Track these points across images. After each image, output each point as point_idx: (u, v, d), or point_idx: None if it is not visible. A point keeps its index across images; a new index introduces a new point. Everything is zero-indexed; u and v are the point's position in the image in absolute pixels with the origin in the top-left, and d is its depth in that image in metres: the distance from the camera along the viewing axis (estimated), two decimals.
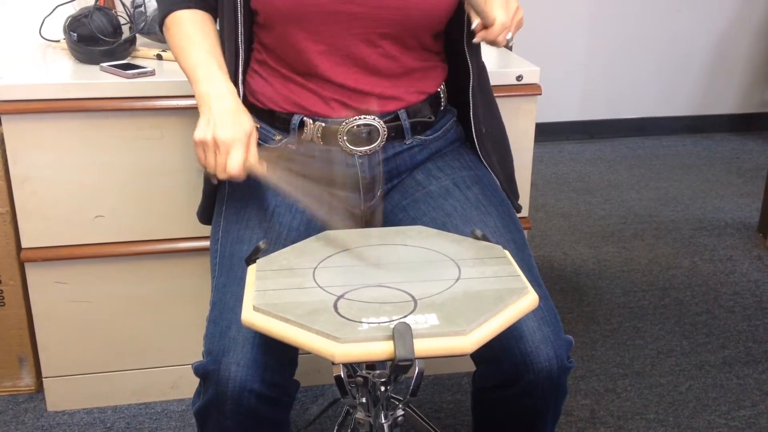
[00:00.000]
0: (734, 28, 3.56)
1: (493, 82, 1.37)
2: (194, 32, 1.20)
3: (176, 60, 1.22)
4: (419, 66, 1.25)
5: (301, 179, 1.11)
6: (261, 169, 1.12)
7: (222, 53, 1.21)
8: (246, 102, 1.28)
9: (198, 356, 1.09)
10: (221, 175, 1.11)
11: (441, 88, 1.29)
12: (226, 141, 1.09)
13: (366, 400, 1.05)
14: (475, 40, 1.14)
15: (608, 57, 3.51)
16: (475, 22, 1.13)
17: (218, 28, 1.26)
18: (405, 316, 0.87)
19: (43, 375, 1.71)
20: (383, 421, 1.05)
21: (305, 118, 1.24)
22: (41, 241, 1.59)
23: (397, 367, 0.83)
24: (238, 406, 1.03)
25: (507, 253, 1.03)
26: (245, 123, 1.12)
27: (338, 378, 0.99)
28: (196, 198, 1.38)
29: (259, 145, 1.16)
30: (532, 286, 0.96)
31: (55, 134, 1.52)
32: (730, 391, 1.81)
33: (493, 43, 1.13)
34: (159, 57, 1.66)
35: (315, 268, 0.99)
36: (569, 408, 1.74)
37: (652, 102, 3.61)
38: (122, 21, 1.68)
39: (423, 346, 0.84)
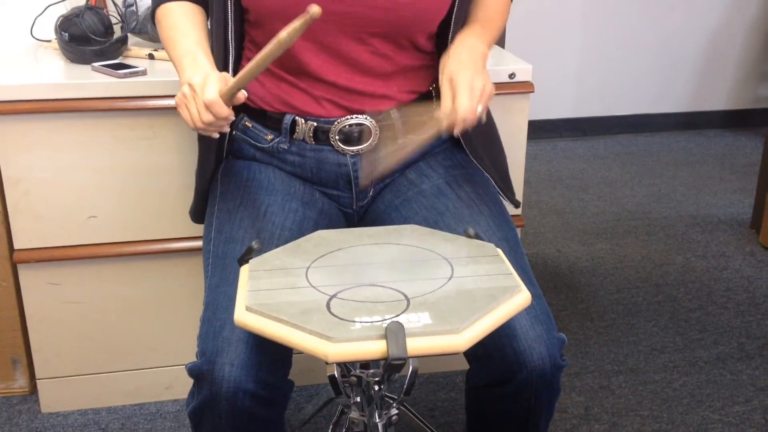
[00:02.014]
0: (727, 25, 3.57)
1: None
2: (183, 23, 1.21)
3: (166, 52, 1.23)
4: (411, 65, 1.25)
5: None
6: (241, 94, 1.07)
7: (210, 45, 1.21)
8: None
9: (192, 357, 1.09)
10: (204, 117, 1.07)
11: (433, 87, 1.30)
12: (198, 81, 1.07)
13: (360, 399, 1.06)
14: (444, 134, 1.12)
15: (601, 54, 3.51)
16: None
17: (208, 26, 1.26)
18: (398, 315, 0.87)
19: (37, 376, 1.70)
20: (377, 420, 1.05)
21: (297, 118, 1.24)
22: (34, 242, 1.58)
23: (390, 366, 0.84)
24: (232, 407, 1.03)
25: (500, 251, 1.03)
26: (220, 74, 1.10)
27: (332, 377, 0.98)
28: (189, 198, 1.38)
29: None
30: (525, 284, 0.97)
31: (47, 134, 1.52)
32: (724, 387, 1.82)
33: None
34: (151, 56, 1.65)
35: (308, 268, 0.99)
36: (563, 405, 1.75)
37: (645, 99, 3.62)
38: (114, 20, 1.68)
39: (416, 345, 0.84)
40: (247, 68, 1.03)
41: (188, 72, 1.13)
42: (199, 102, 1.07)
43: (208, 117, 1.07)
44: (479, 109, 1.11)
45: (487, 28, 1.24)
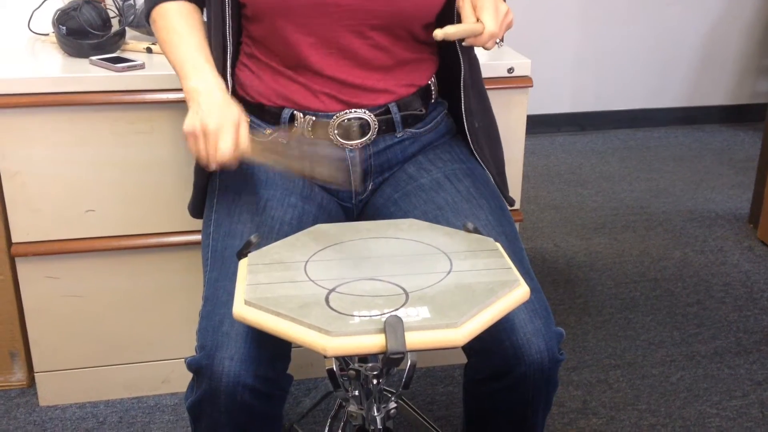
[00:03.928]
0: (725, 19, 3.56)
1: (484, 74, 1.37)
2: (181, 26, 1.20)
3: (164, 54, 1.22)
4: (410, 58, 1.25)
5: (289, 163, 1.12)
6: (252, 155, 1.12)
7: (209, 46, 1.21)
8: (236, 95, 1.27)
9: (190, 350, 1.09)
10: (213, 163, 1.11)
11: (431, 81, 1.29)
12: (214, 128, 1.09)
13: (358, 392, 1.06)
14: (465, 44, 1.13)
15: (599, 49, 3.51)
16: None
17: (205, 20, 1.26)
18: (396, 309, 0.87)
19: (35, 370, 1.70)
20: (376, 413, 1.05)
21: (295, 112, 1.23)
22: (32, 235, 1.58)
23: (389, 360, 0.84)
24: (231, 401, 1.03)
25: (499, 245, 1.03)
26: (233, 112, 1.12)
27: (330, 371, 0.99)
28: (187, 192, 1.38)
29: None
30: (524, 278, 0.97)
31: (45, 128, 1.51)
32: (721, 382, 1.82)
33: (482, 47, 1.13)
34: (149, 50, 1.65)
35: (306, 262, 0.99)
36: (561, 399, 1.75)
37: (643, 94, 3.61)
38: (111, 14, 1.67)
39: (414, 339, 0.84)
40: (255, 156, 1.13)
41: (192, 80, 1.14)
42: (211, 150, 1.10)
43: (216, 165, 1.11)
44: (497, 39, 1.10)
45: None
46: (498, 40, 1.11)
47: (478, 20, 1.11)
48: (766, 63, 3.67)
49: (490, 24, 1.09)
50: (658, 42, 3.54)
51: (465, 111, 1.28)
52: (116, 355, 1.72)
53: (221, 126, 1.09)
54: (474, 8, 1.11)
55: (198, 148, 1.11)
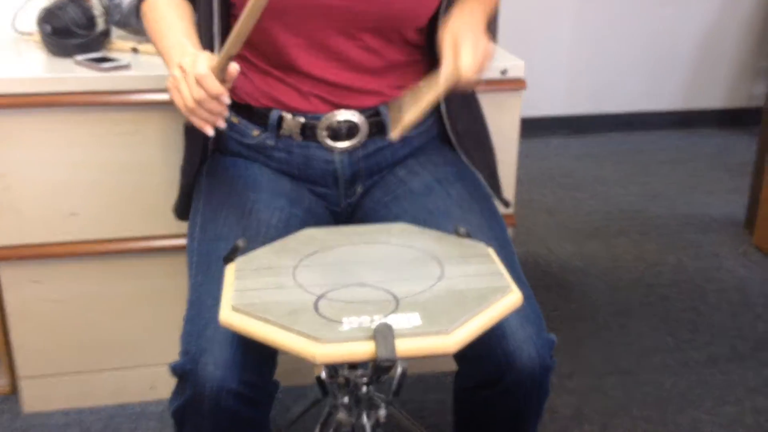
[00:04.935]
0: (721, 22, 3.57)
1: None
2: (169, 15, 1.18)
3: (153, 44, 1.20)
4: (401, 60, 1.24)
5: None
6: (233, 69, 1.02)
7: (198, 37, 1.19)
8: None
9: (177, 356, 1.07)
10: (195, 93, 1.02)
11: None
12: (188, 61, 1.03)
13: (348, 400, 1.04)
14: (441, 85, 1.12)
15: (594, 51, 3.51)
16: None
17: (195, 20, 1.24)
18: (386, 316, 0.86)
19: (19, 376, 1.68)
20: (365, 421, 1.04)
21: (284, 114, 1.22)
22: (15, 239, 1.56)
23: (378, 368, 0.82)
24: (216, 407, 1.02)
25: (490, 250, 1.02)
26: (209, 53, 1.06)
27: (319, 378, 0.97)
28: (173, 195, 1.37)
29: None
30: (515, 283, 0.96)
31: (29, 129, 1.49)
32: (715, 388, 1.81)
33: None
34: (135, 50, 1.63)
35: (295, 267, 0.98)
36: (554, 406, 1.74)
37: (638, 97, 3.61)
38: (97, 13, 1.65)
39: (405, 346, 0.83)
40: (233, 34, 0.98)
41: (177, 61, 1.10)
42: (190, 79, 1.01)
43: (199, 93, 1.01)
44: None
45: (482, 2, 1.22)
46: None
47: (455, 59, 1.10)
48: (762, 66, 3.67)
49: (467, 64, 1.08)
50: (652, 44, 3.54)
51: (447, 114, 1.28)
52: (102, 360, 1.69)
53: (195, 55, 1.03)
54: (454, 45, 1.11)
55: (181, 92, 1.03)
